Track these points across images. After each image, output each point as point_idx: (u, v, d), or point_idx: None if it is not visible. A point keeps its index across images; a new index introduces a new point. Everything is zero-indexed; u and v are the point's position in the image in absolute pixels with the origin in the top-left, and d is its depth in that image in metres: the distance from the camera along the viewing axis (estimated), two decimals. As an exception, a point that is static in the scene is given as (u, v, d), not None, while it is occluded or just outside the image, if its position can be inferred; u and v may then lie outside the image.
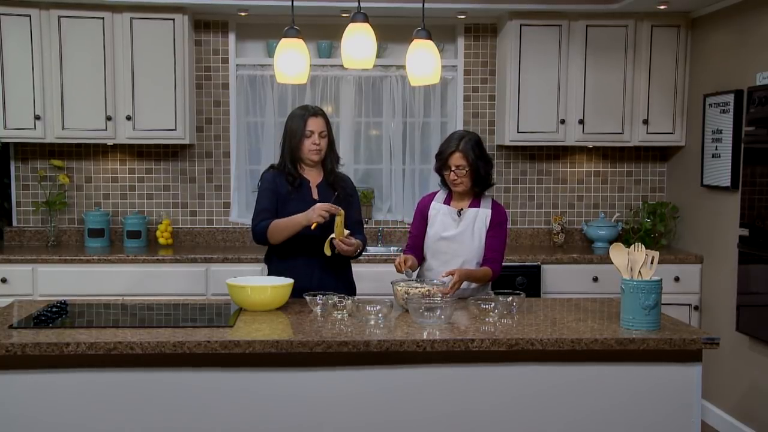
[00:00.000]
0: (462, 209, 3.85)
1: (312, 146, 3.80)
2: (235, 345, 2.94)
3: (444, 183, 3.88)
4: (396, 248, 5.59)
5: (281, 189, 3.82)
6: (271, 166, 3.95)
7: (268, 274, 3.93)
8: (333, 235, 3.68)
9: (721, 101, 5.05)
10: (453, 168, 3.76)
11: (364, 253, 4.04)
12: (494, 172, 3.95)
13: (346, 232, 3.69)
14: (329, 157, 3.90)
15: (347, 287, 3.95)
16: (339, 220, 3.66)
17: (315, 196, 3.85)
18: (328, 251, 3.72)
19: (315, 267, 3.82)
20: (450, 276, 3.62)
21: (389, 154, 5.86)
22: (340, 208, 3.67)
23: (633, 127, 5.57)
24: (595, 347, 3.03)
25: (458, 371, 3.06)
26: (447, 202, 3.90)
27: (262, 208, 3.82)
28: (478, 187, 3.83)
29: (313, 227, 3.65)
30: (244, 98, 5.79)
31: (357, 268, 4.12)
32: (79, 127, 5.33)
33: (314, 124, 3.80)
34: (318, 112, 3.84)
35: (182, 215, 5.83)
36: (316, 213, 3.63)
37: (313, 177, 3.90)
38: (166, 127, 5.38)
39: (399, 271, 3.72)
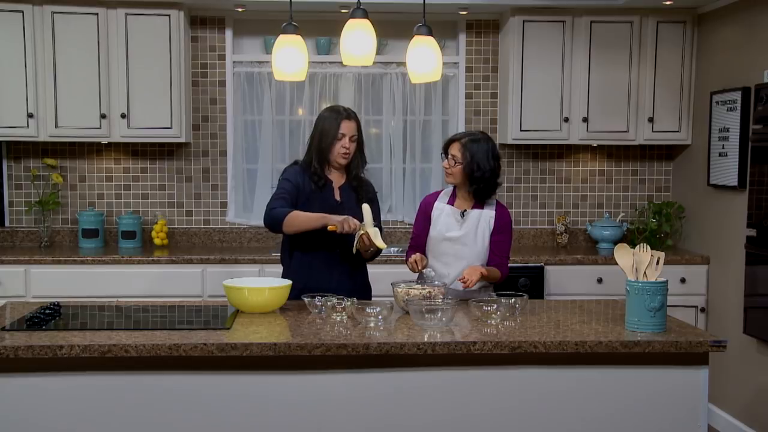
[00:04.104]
0: (465, 210, 3.80)
1: (342, 149, 3.77)
2: (232, 348, 2.92)
3: None
4: (396, 249, 5.53)
5: (305, 187, 3.79)
6: (295, 162, 3.93)
7: (283, 275, 3.88)
8: (362, 231, 3.60)
9: (728, 99, 5.01)
10: (449, 156, 3.76)
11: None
12: (501, 181, 3.87)
13: (375, 230, 3.62)
14: (355, 161, 3.87)
15: (363, 290, 3.93)
16: (368, 216, 3.60)
17: (337, 197, 3.82)
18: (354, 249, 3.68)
19: (334, 269, 3.80)
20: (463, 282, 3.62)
21: (389, 152, 5.81)
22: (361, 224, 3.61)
23: (638, 126, 5.53)
24: (600, 350, 3.02)
25: (460, 374, 3.05)
26: (451, 202, 3.85)
27: (281, 194, 3.75)
28: (472, 187, 3.76)
29: (329, 228, 3.56)
30: (241, 96, 5.74)
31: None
32: (73, 125, 5.29)
33: (347, 128, 3.77)
34: (351, 115, 3.82)
35: (178, 215, 5.78)
36: (343, 222, 3.53)
37: (337, 179, 3.87)
38: (161, 125, 5.34)
39: (414, 271, 3.70)
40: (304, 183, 3.79)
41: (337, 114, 3.79)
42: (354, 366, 3.01)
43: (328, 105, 5.65)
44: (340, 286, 3.69)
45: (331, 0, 5.24)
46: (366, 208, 3.61)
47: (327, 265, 3.80)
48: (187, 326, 3.24)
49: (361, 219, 3.63)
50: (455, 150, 3.73)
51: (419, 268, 3.69)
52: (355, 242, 3.62)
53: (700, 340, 3.05)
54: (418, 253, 3.76)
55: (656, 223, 5.65)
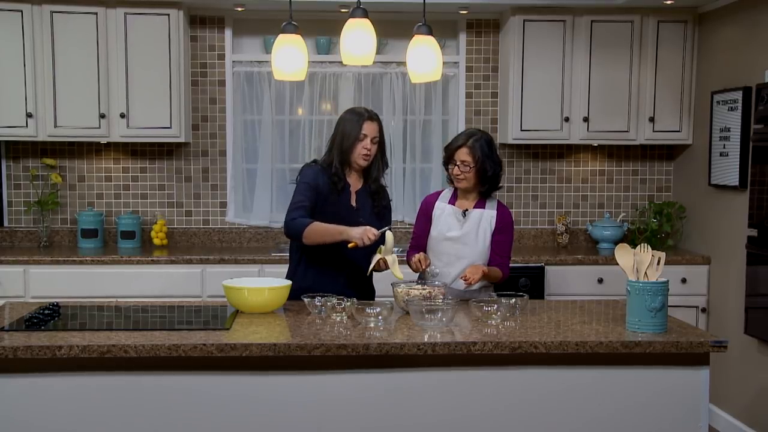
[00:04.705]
0: (467, 210, 3.79)
1: (363, 150, 3.72)
2: (232, 348, 2.91)
3: (450, 179, 3.82)
4: (397, 249, 5.50)
5: (323, 189, 3.73)
6: (314, 161, 3.87)
7: (289, 273, 3.85)
8: (380, 256, 3.58)
9: (729, 98, 4.99)
10: (458, 162, 3.72)
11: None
12: (504, 176, 3.88)
13: (394, 257, 3.59)
14: (376, 164, 3.81)
15: (367, 292, 3.90)
16: (390, 242, 3.58)
17: (353, 202, 3.78)
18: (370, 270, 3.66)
19: (341, 271, 3.75)
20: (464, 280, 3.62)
21: (389, 152, 5.76)
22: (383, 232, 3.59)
23: (639, 125, 5.52)
24: (600, 350, 3.00)
25: (460, 375, 3.03)
26: (452, 201, 3.85)
27: (300, 202, 3.69)
28: (485, 186, 3.76)
29: (350, 246, 3.53)
30: (241, 95, 5.72)
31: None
32: (72, 125, 5.27)
33: (369, 129, 3.71)
34: (373, 117, 3.76)
35: (177, 215, 5.76)
36: (362, 236, 3.48)
37: (354, 182, 3.82)
38: (160, 125, 5.33)
39: (417, 270, 3.67)
40: (322, 184, 3.73)
41: (359, 116, 3.73)
42: (354, 366, 2.99)
43: (324, 104, 5.71)
44: (345, 290, 3.64)
45: (332, -1, 5.24)
46: (389, 235, 3.58)
47: (334, 267, 3.75)
48: (187, 326, 3.22)
49: (374, 224, 3.64)
50: (464, 155, 3.70)
51: (423, 267, 3.67)
52: (372, 266, 3.60)
53: (701, 340, 3.03)
54: (421, 253, 3.74)
55: (657, 223, 5.63)
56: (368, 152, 3.73)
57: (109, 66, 5.25)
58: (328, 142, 3.86)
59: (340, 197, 3.74)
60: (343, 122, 3.76)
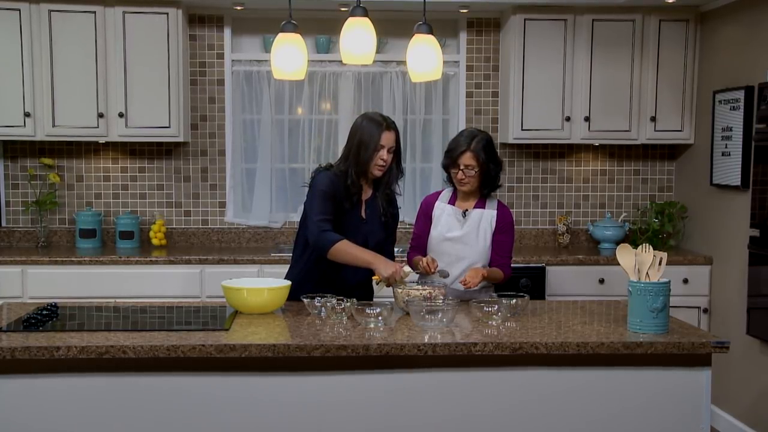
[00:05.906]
0: (467, 210, 3.77)
1: (379, 161, 3.65)
2: (231, 349, 2.90)
3: (450, 180, 3.81)
4: (397, 249, 5.47)
5: (337, 197, 3.65)
6: (330, 166, 3.76)
7: (290, 272, 3.82)
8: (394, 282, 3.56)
9: (731, 98, 4.98)
10: (462, 167, 3.69)
11: None
12: (504, 175, 3.86)
13: (407, 281, 3.58)
14: (389, 173, 3.75)
15: (367, 294, 3.86)
16: (405, 279, 3.57)
17: (362, 213, 3.74)
18: (377, 287, 3.65)
19: (345, 278, 3.71)
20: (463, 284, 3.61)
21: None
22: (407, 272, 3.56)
23: (640, 125, 5.51)
24: (602, 351, 3.00)
25: (460, 376, 3.02)
26: (452, 201, 3.84)
27: (326, 214, 3.59)
28: (486, 188, 3.76)
29: (374, 278, 3.53)
30: (240, 95, 5.71)
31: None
32: (70, 124, 5.26)
33: (387, 139, 3.64)
34: (391, 126, 3.68)
35: (176, 215, 5.75)
36: (391, 276, 3.47)
37: (364, 191, 3.76)
38: (159, 124, 5.31)
39: (428, 273, 3.62)
40: (337, 194, 3.65)
41: (378, 125, 3.64)
42: (354, 367, 2.98)
43: (324, 103, 5.70)
44: (343, 292, 3.61)
45: (331, -2, 5.23)
46: (407, 269, 3.55)
47: (335, 283, 3.70)
48: (186, 327, 3.21)
49: (380, 235, 3.67)
50: (468, 160, 3.67)
51: (432, 270, 3.62)
52: (380, 282, 3.58)
53: (703, 341, 3.02)
54: (429, 256, 3.71)
55: (658, 223, 5.62)
56: (384, 163, 3.67)
57: (108, 65, 5.24)
58: (343, 149, 3.76)
59: (352, 208, 3.70)
60: (360, 131, 3.66)
